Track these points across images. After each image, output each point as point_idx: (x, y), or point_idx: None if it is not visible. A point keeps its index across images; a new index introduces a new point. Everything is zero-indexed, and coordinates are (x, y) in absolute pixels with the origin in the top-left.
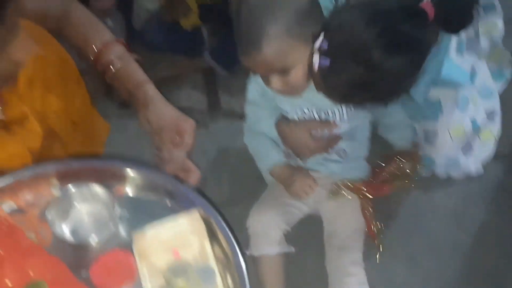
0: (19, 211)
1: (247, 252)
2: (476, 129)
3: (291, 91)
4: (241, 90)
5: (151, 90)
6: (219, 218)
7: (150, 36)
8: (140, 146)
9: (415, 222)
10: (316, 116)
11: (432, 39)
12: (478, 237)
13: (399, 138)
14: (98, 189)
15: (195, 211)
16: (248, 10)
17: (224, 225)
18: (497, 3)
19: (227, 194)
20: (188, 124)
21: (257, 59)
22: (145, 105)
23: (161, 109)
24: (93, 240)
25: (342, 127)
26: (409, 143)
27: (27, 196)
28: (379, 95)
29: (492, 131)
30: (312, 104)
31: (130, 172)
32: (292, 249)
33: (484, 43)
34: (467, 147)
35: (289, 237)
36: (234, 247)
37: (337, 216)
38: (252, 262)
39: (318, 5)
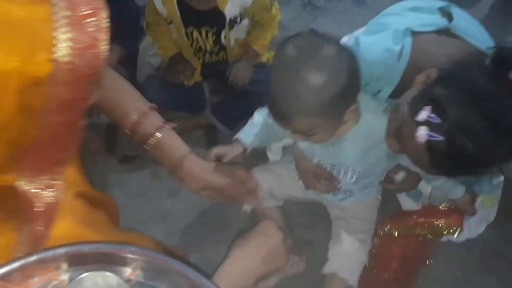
0: None
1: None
2: None
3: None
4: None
5: (193, 160)
6: None
7: (152, 91)
8: (140, 201)
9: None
10: (327, 167)
11: None
12: None
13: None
14: (109, 275)
15: None
16: (284, 82)
17: None
18: None
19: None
20: (243, 176)
21: (285, 126)
22: (191, 175)
23: (210, 177)
24: None
25: (349, 183)
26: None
27: (35, 282)
28: (479, 171)
29: (497, 197)
30: (327, 156)
31: (141, 258)
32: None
33: None
34: None
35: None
36: None
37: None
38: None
39: (356, 85)
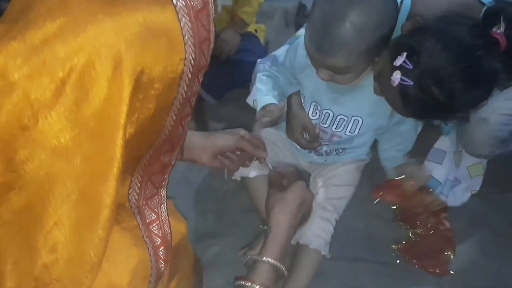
0: None
1: (232, 177)
2: None
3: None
4: (229, 119)
5: (192, 135)
6: None
7: None
8: None
9: None
10: (323, 120)
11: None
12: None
13: (395, 146)
14: None
15: None
16: (335, 16)
17: None
18: None
19: (211, 225)
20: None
21: (322, 58)
22: (198, 148)
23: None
24: None
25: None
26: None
27: None
28: (448, 116)
29: (483, 167)
30: (334, 104)
31: None
32: (268, 171)
33: None
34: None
35: None
36: None
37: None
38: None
39: (393, 29)
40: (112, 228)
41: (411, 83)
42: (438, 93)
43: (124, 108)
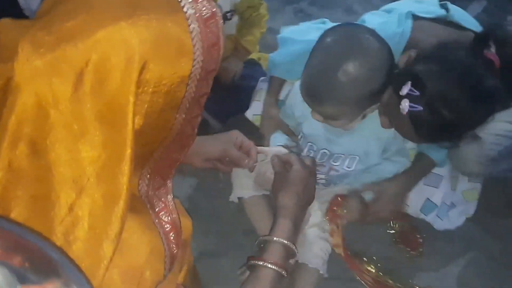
0: None
1: (230, 198)
2: None
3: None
4: None
5: None
6: None
7: None
8: None
9: None
10: (320, 157)
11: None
12: None
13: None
14: None
15: None
16: (327, 66)
17: None
18: None
19: (213, 245)
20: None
21: (313, 106)
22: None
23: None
24: None
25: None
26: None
27: None
28: (459, 135)
29: (478, 192)
30: (330, 144)
31: None
32: (266, 192)
33: None
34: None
35: None
36: None
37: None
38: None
39: (388, 82)
40: (128, 206)
41: (421, 108)
42: (448, 114)
43: (132, 98)
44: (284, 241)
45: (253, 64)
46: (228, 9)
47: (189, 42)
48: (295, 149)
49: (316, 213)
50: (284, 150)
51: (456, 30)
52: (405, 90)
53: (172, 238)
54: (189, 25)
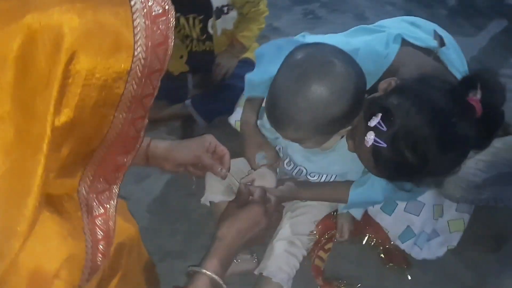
0: None
1: (201, 201)
2: None
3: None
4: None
5: (157, 144)
6: None
7: None
8: None
9: None
10: (297, 173)
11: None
12: None
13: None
14: None
15: None
16: (287, 90)
17: None
18: None
19: (178, 245)
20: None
21: (276, 128)
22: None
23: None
24: None
25: None
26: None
27: None
28: (420, 179)
29: (465, 223)
30: (307, 163)
31: None
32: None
33: None
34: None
35: None
36: None
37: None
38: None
39: (358, 109)
40: (41, 207)
41: (385, 145)
42: (410, 157)
43: (56, 87)
44: (212, 275)
45: (249, 64)
46: (224, 3)
47: (131, 37)
48: (276, 164)
49: (285, 226)
50: (269, 174)
51: (444, 66)
52: (373, 122)
53: (101, 247)
54: (134, 20)
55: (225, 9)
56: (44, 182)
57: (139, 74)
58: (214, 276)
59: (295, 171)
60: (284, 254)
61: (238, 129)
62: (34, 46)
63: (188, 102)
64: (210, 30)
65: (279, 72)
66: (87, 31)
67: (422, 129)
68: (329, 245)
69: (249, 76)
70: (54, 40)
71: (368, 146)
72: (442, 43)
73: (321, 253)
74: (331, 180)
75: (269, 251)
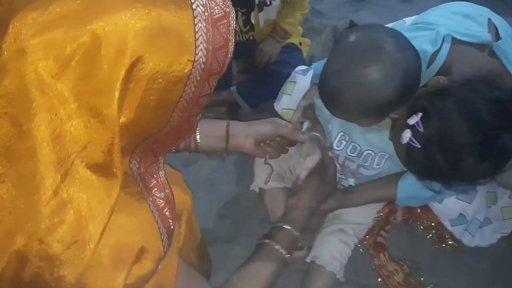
0: None
1: (250, 187)
2: None
3: None
4: None
5: (234, 123)
6: None
7: None
8: None
9: None
10: (351, 150)
11: None
12: None
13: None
14: None
15: None
16: (338, 74)
17: None
18: None
19: (227, 230)
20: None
21: (328, 109)
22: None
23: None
24: None
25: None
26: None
27: None
28: (449, 183)
29: None
30: (361, 140)
31: None
32: (286, 185)
33: None
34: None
35: None
36: None
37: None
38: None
39: (412, 92)
40: (118, 195)
41: (419, 146)
42: (442, 162)
43: (118, 93)
44: (293, 230)
45: (293, 49)
46: None
47: (192, 41)
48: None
49: (341, 214)
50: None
51: (501, 64)
52: (412, 120)
53: (167, 213)
54: (195, 24)
55: (268, 1)
56: None
57: (199, 78)
58: (295, 233)
59: (349, 148)
60: (337, 243)
61: (285, 117)
62: (97, 52)
63: (233, 88)
64: (253, 22)
65: (331, 53)
66: (151, 37)
67: (460, 137)
68: (388, 227)
69: (315, 66)
70: (117, 46)
71: (403, 143)
72: (497, 36)
73: (382, 233)
74: (384, 159)
75: (321, 239)
